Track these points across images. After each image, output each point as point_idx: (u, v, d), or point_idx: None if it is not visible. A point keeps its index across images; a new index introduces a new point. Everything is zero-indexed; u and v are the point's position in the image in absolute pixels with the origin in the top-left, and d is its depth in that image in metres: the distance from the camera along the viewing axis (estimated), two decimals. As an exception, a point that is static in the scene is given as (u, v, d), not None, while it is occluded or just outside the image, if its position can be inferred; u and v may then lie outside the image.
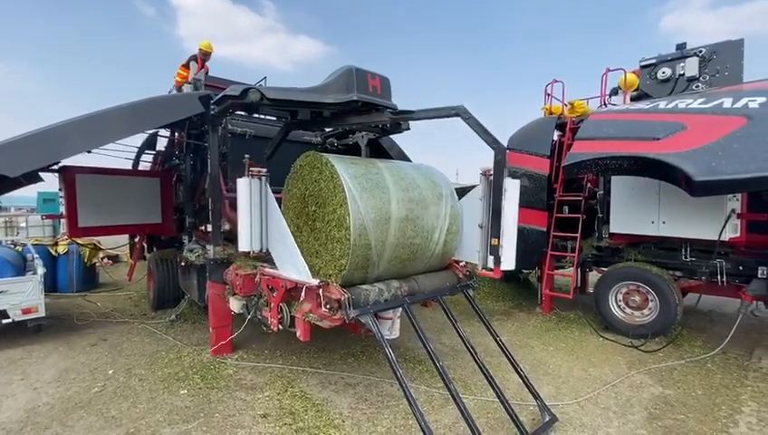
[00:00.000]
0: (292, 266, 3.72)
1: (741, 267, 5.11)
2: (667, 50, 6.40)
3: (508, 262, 3.63)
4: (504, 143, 6.97)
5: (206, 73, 7.47)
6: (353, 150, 6.73)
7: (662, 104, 5.27)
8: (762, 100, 4.50)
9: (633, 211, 5.86)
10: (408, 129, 5.09)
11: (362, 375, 4.36)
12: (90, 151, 4.96)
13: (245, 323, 4.40)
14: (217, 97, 4.45)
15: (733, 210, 5.03)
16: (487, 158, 3.60)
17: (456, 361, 4.73)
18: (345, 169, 3.55)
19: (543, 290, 6.85)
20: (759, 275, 4.88)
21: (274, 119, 6.50)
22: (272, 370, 4.48)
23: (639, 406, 3.81)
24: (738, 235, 5.12)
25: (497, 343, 3.81)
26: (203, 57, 7.70)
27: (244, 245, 4.02)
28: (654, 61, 6.40)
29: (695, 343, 5.40)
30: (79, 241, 8.05)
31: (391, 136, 6.27)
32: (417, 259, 3.97)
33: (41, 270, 5.49)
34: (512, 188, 3.57)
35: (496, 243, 3.56)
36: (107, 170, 6.55)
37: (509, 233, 3.58)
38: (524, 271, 8.65)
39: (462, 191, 4.65)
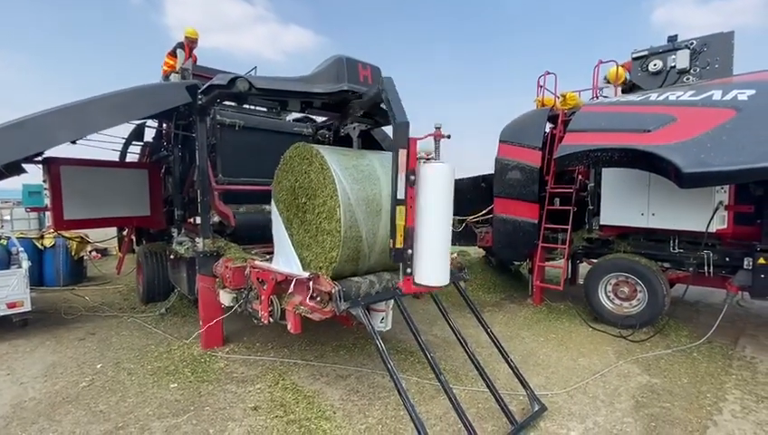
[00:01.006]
0: (283, 258, 3.69)
1: (727, 258, 5.18)
2: (658, 42, 6.41)
3: (430, 276, 2.86)
4: (497, 136, 7.01)
5: (195, 62, 7.32)
6: (345, 142, 6.67)
7: (653, 96, 5.29)
8: (751, 92, 4.54)
9: (623, 203, 5.90)
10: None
11: (354, 367, 4.36)
12: (75, 142, 4.85)
13: (229, 313, 4.38)
14: (205, 86, 4.36)
15: (720, 202, 5.09)
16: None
17: (447, 352, 4.76)
18: (335, 160, 3.51)
19: (534, 281, 6.90)
20: (745, 266, 4.94)
21: (265, 110, 6.41)
22: (263, 362, 4.46)
23: (627, 395, 3.87)
24: (725, 226, 5.19)
25: (488, 334, 3.82)
26: (190, 45, 7.53)
27: None
28: (645, 53, 6.40)
29: (681, 332, 5.49)
30: (65, 234, 7.92)
31: (383, 128, 6.21)
32: (409, 251, 3.95)
33: (26, 264, 5.40)
34: (430, 176, 2.73)
35: (392, 245, 2.85)
36: (93, 162, 6.42)
37: (429, 237, 2.79)
38: (516, 263, 8.72)
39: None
